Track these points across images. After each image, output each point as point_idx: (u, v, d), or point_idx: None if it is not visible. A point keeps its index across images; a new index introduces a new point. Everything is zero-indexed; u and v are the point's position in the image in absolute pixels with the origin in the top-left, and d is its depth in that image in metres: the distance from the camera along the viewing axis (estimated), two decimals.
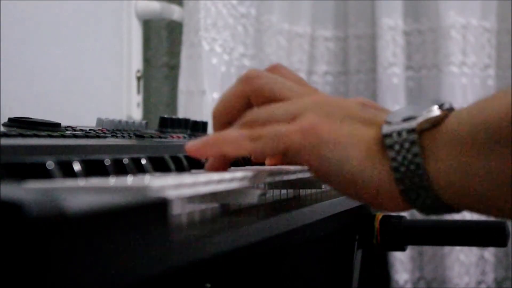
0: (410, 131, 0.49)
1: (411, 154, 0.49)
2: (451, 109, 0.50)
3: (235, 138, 0.53)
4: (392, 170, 0.50)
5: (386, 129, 0.50)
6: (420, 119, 0.50)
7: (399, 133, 0.50)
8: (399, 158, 0.49)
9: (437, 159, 0.49)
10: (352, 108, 0.54)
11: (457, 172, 0.48)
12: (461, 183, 0.48)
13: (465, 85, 1.74)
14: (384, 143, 0.50)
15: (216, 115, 0.58)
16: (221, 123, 0.58)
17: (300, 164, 0.54)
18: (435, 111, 0.50)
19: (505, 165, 0.46)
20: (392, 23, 1.75)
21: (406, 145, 0.49)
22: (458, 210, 0.51)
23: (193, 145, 0.54)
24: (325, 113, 0.52)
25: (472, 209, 0.50)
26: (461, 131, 0.48)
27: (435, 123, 0.49)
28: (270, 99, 0.56)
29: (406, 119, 0.50)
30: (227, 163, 0.58)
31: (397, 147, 0.49)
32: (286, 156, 0.54)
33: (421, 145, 0.49)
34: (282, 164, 0.68)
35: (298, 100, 0.54)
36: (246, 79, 0.57)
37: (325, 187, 0.72)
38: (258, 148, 0.52)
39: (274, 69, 0.60)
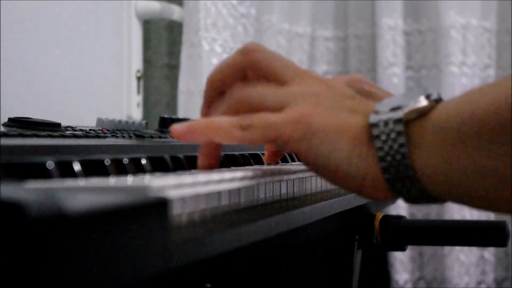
0: (397, 121, 0.50)
1: (397, 144, 0.49)
2: (439, 100, 0.51)
3: (225, 126, 0.53)
4: (378, 159, 0.50)
5: (373, 118, 0.51)
6: (407, 109, 0.50)
7: (386, 123, 0.50)
8: (385, 147, 0.50)
9: (423, 149, 0.49)
10: (342, 96, 0.54)
11: (442, 164, 0.48)
12: (446, 174, 0.48)
13: (465, 85, 1.74)
14: (371, 132, 0.50)
15: (210, 82, 0.59)
16: (214, 90, 0.58)
17: (289, 152, 0.54)
18: (423, 101, 0.50)
19: (490, 158, 0.47)
20: (392, 23, 1.75)
21: (393, 135, 0.50)
22: (443, 201, 0.51)
23: (180, 128, 0.54)
24: (315, 102, 0.53)
25: (456, 200, 0.50)
26: (448, 123, 0.48)
27: (422, 113, 0.50)
28: (265, 74, 0.56)
29: (394, 109, 0.50)
30: (217, 151, 0.59)
31: (383, 137, 0.50)
32: (275, 144, 0.54)
33: (408, 136, 0.49)
34: (278, 154, 0.68)
35: (289, 87, 0.54)
36: (245, 51, 0.57)
37: (325, 187, 0.72)
38: (248, 136, 0.53)
39: (251, 52, 0.60)
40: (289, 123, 0.52)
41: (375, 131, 0.50)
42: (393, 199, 0.52)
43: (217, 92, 0.58)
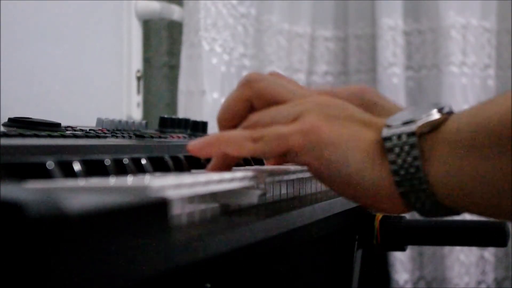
0: (410, 134, 0.50)
1: (410, 157, 0.49)
2: (450, 113, 0.51)
3: (237, 139, 0.53)
4: (392, 173, 0.50)
5: (386, 132, 0.51)
6: (420, 123, 0.50)
7: (399, 136, 0.50)
8: (399, 161, 0.50)
9: (437, 162, 0.49)
10: (352, 109, 0.54)
11: (456, 175, 0.48)
12: (460, 186, 0.48)
13: (465, 85, 1.74)
14: (384, 146, 0.50)
15: (221, 121, 0.59)
16: (226, 128, 0.58)
17: (300, 164, 0.54)
18: (435, 114, 0.50)
19: (505, 168, 0.47)
20: (392, 23, 1.75)
21: (406, 148, 0.49)
22: (458, 212, 0.51)
23: (195, 145, 0.54)
24: (326, 115, 0.52)
25: (472, 211, 0.50)
26: (461, 134, 0.48)
27: (435, 126, 0.50)
28: (271, 101, 0.56)
29: (406, 123, 0.50)
30: (229, 164, 0.58)
31: (397, 150, 0.50)
32: (287, 157, 0.54)
33: (421, 148, 0.49)
34: (281, 164, 0.68)
35: (300, 102, 0.54)
36: (247, 83, 0.57)
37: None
38: (260, 148, 0.52)
39: (272, 75, 0.60)
40: (300, 134, 0.52)
41: (388, 144, 0.50)
42: (406, 212, 0.52)
43: (229, 129, 0.58)
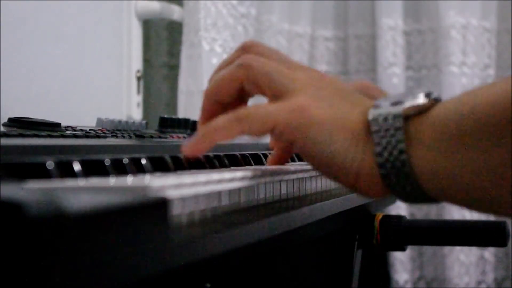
0: (396, 116, 0.50)
1: (395, 140, 0.50)
2: (438, 99, 0.51)
3: (223, 124, 0.53)
4: (375, 154, 0.50)
5: (372, 113, 0.51)
6: (406, 105, 0.50)
7: (385, 118, 0.50)
8: (383, 142, 0.50)
9: (422, 146, 0.49)
10: (342, 88, 0.54)
11: (441, 162, 0.48)
12: (444, 173, 0.48)
13: (465, 85, 1.74)
14: (370, 127, 0.50)
15: (208, 94, 0.59)
16: (212, 101, 0.58)
17: (285, 142, 0.54)
18: (422, 98, 0.50)
19: (489, 156, 0.46)
20: (392, 23, 1.75)
21: (391, 130, 0.50)
22: (438, 200, 0.51)
23: (187, 146, 0.54)
24: (315, 95, 0.53)
25: (452, 200, 0.50)
26: (448, 120, 0.48)
27: (422, 110, 0.50)
28: (263, 89, 0.56)
29: (394, 104, 0.50)
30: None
31: (382, 132, 0.50)
32: (272, 135, 0.54)
33: (406, 132, 0.49)
34: (285, 156, 0.68)
35: (291, 77, 0.54)
36: (242, 66, 0.57)
37: (325, 187, 0.72)
38: (246, 128, 0.53)
39: (250, 47, 0.59)
40: (286, 113, 0.52)
41: (374, 126, 0.50)
42: (385, 196, 0.52)
43: (214, 102, 0.58)
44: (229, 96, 0.57)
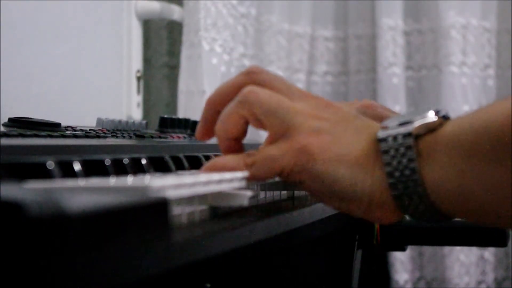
0: (406, 135, 0.49)
1: (406, 159, 0.49)
2: (447, 117, 0.50)
3: (231, 167, 0.53)
4: (386, 175, 0.50)
5: (381, 133, 0.50)
6: (416, 124, 0.50)
7: (395, 138, 0.50)
8: (394, 162, 0.49)
9: (433, 165, 0.48)
10: (347, 120, 0.53)
11: (454, 180, 0.48)
12: (458, 190, 0.48)
13: (465, 85, 1.74)
14: (379, 148, 0.50)
15: (210, 102, 0.58)
16: (213, 110, 0.58)
17: (293, 183, 0.54)
18: (431, 117, 0.50)
19: (504, 173, 0.46)
20: (392, 23, 1.75)
21: (402, 149, 0.49)
22: (451, 218, 0.50)
23: None
24: (317, 128, 0.52)
25: (467, 217, 0.50)
26: (460, 138, 0.48)
27: (432, 128, 0.49)
28: (266, 126, 0.55)
29: (402, 124, 0.50)
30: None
31: (392, 151, 0.49)
32: (280, 176, 0.54)
33: (417, 150, 0.49)
34: None
35: (298, 106, 0.54)
36: (248, 72, 0.56)
37: None
38: (253, 174, 0.53)
39: (254, 74, 0.58)
40: (290, 155, 0.52)
41: (384, 146, 0.50)
42: (399, 219, 0.52)
43: (216, 112, 0.57)
44: (238, 132, 0.56)
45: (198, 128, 0.59)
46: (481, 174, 0.47)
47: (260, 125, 0.55)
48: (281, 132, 0.53)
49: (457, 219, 0.52)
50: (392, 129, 0.50)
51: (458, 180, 0.48)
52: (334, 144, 0.51)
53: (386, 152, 0.50)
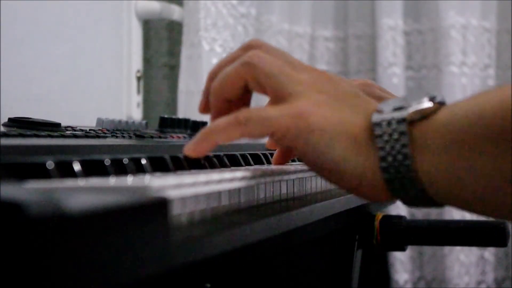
0: (400, 121, 0.50)
1: (399, 144, 0.49)
2: (442, 103, 0.50)
3: (224, 126, 0.53)
4: (379, 159, 0.50)
5: (376, 117, 0.51)
6: (410, 110, 0.50)
7: (389, 123, 0.50)
8: (387, 147, 0.50)
9: (426, 151, 0.49)
10: (345, 93, 0.54)
11: (447, 167, 0.48)
12: (449, 178, 0.48)
13: (465, 85, 1.74)
14: (373, 132, 0.50)
15: (214, 92, 0.58)
16: (218, 98, 0.58)
17: (286, 146, 0.54)
18: (426, 102, 0.50)
19: (497, 161, 0.46)
20: (392, 23, 1.75)
21: (395, 135, 0.49)
22: (442, 205, 0.51)
23: (188, 147, 0.54)
24: (317, 99, 0.52)
25: (457, 204, 0.50)
26: (454, 125, 0.48)
27: (426, 115, 0.49)
28: (266, 90, 0.56)
29: (397, 109, 0.50)
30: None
31: (385, 136, 0.50)
32: (273, 138, 0.54)
33: (411, 136, 0.49)
34: (287, 155, 0.68)
35: (299, 76, 0.54)
36: (246, 65, 0.56)
37: (325, 187, 0.72)
38: (247, 131, 0.53)
39: (256, 46, 0.58)
40: (287, 118, 0.52)
41: (378, 131, 0.50)
42: (389, 201, 0.52)
43: (222, 100, 0.58)
44: (234, 93, 0.57)
45: (200, 102, 0.60)
46: (472, 163, 0.47)
47: (259, 88, 0.55)
48: (281, 96, 0.53)
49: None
50: (387, 113, 0.50)
51: (450, 168, 0.48)
52: (332, 117, 0.52)
53: (379, 136, 0.50)
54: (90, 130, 0.77)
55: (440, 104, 0.50)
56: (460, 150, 0.47)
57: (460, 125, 0.48)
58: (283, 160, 0.68)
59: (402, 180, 0.49)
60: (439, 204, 0.51)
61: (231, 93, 0.57)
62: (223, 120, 0.54)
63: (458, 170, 0.48)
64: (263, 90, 0.55)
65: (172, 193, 0.41)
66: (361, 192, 0.52)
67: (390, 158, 0.49)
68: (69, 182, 0.42)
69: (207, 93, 0.59)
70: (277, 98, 0.54)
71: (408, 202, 0.51)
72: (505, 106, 0.46)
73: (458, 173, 0.48)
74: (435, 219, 1.69)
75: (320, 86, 0.54)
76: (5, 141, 0.53)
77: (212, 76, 0.59)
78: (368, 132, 0.51)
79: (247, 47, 0.58)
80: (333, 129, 0.51)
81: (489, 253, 1.77)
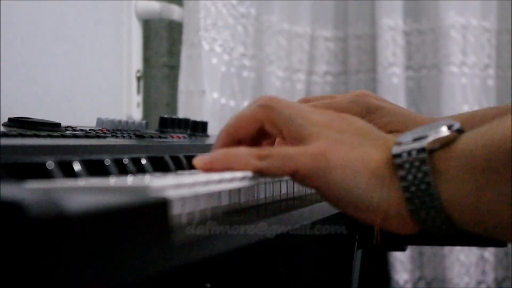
0: (420, 150, 0.50)
1: (421, 173, 0.49)
2: (460, 130, 0.51)
3: (243, 156, 0.53)
4: (402, 189, 0.50)
5: (396, 149, 0.51)
6: (430, 139, 0.50)
7: (409, 153, 0.50)
8: (410, 177, 0.50)
9: (449, 179, 0.49)
10: (363, 131, 0.54)
11: (469, 195, 0.48)
12: (473, 205, 0.48)
13: (465, 85, 1.74)
14: (394, 163, 0.50)
15: (227, 130, 0.58)
16: (229, 137, 0.58)
17: (308, 187, 0.54)
18: (445, 131, 0.50)
19: None
20: (392, 23, 1.75)
21: (416, 163, 0.49)
22: (468, 231, 0.51)
23: (201, 160, 0.54)
24: (335, 138, 0.53)
25: (482, 231, 0.50)
26: (476, 154, 0.48)
27: (445, 143, 0.50)
28: (283, 133, 0.55)
29: (416, 139, 0.50)
30: None
31: (407, 166, 0.50)
32: (293, 179, 0.54)
33: (432, 165, 0.49)
34: None
35: (315, 117, 0.54)
36: (264, 107, 0.56)
37: None
38: (265, 167, 0.53)
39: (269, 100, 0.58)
40: (308, 157, 0.52)
41: (398, 161, 0.50)
42: (415, 231, 0.52)
43: (233, 142, 0.58)
44: (248, 134, 0.57)
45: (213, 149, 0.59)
46: (495, 191, 0.47)
47: (276, 131, 0.55)
48: (299, 138, 0.53)
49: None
50: (406, 144, 0.51)
51: (473, 195, 0.48)
52: (352, 154, 0.52)
53: (401, 166, 0.50)
54: (90, 130, 0.77)
55: (458, 132, 0.50)
56: (482, 179, 0.48)
57: (480, 154, 0.48)
58: None
59: (428, 210, 0.49)
60: (466, 231, 0.51)
61: (245, 133, 0.57)
62: (243, 150, 0.54)
63: (481, 198, 0.48)
64: (279, 133, 0.55)
65: (172, 193, 0.41)
66: (389, 226, 0.52)
67: (413, 188, 0.49)
68: (69, 182, 0.42)
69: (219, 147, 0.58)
70: (295, 140, 0.54)
71: (435, 232, 0.51)
72: None
73: (481, 201, 0.48)
74: None
75: (336, 125, 0.54)
76: (5, 141, 0.53)
77: (227, 132, 0.58)
78: (389, 165, 0.51)
79: (262, 104, 0.57)
80: (354, 166, 0.51)
81: (489, 253, 1.77)
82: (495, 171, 0.47)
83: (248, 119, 0.57)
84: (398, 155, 0.50)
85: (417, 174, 0.49)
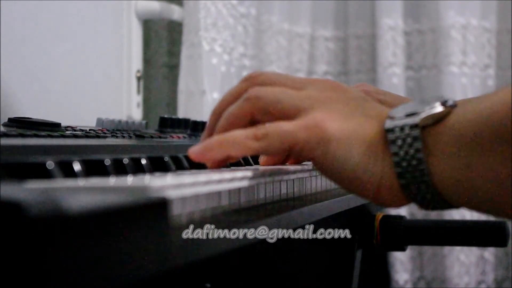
0: (413, 126, 0.50)
1: (413, 149, 0.50)
2: (454, 106, 0.51)
3: (240, 139, 0.53)
4: (394, 164, 0.50)
5: (389, 124, 0.51)
6: (423, 115, 0.50)
7: (402, 128, 0.50)
8: (401, 153, 0.50)
9: (439, 155, 0.49)
10: (356, 100, 0.54)
11: (459, 169, 0.48)
12: (462, 180, 0.48)
13: (465, 85, 1.74)
14: (387, 138, 0.50)
15: (220, 132, 0.58)
16: (217, 120, 0.58)
17: (305, 160, 0.54)
18: (438, 107, 0.50)
19: (508, 163, 0.47)
20: (392, 23, 1.75)
21: (409, 140, 0.50)
22: (457, 206, 0.51)
23: (195, 150, 0.53)
24: (329, 109, 0.53)
25: (472, 207, 0.50)
26: (465, 129, 0.48)
27: (438, 119, 0.50)
28: (276, 116, 0.55)
29: (409, 115, 0.51)
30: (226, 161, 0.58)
31: (399, 142, 0.50)
32: (291, 153, 0.54)
33: (424, 141, 0.50)
34: (277, 163, 0.68)
35: (304, 91, 0.54)
36: (249, 99, 0.56)
37: (325, 187, 0.72)
38: (264, 146, 0.52)
39: (254, 78, 0.58)
40: (304, 130, 0.52)
41: (391, 136, 0.50)
42: (406, 205, 0.52)
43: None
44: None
45: (202, 138, 0.59)
46: (485, 165, 0.47)
47: (268, 117, 0.55)
48: (292, 115, 0.53)
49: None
50: (399, 119, 0.51)
51: (463, 171, 0.48)
52: (346, 126, 0.52)
53: (393, 142, 0.50)
54: (90, 130, 0.77)
55: (452, 107, 0.50)
56: (472, 154, 0.48)
57: (470, 128, 0.48)
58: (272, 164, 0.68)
59: (418, 185, 0.50)
60: (454, 206, 0.51)
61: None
62: (239, 133, 0.53)
63: (471, 174, 0.48)
64: (273, 118, 0.55)
65: (172, 193, 0.41)
66: (381, 200, 0.52)
67: (404, 163, 0.50)
68: (69, 182, 0.42)
69: (211, 130, 0.58)
70: (289, 118, 0.53)
71: (425, 206, 0.51)
72: (511, 107, 0.46)
73: (472, 176, 0.48)
74: (435, 219, 1.69)
75: (328, 95, 0.54)
76: (5, 141, 0.53)
77: (216, 112, 0.58)
78: (382, 138, 0.51)
79: (246, 79, 0.57)
80: (349, 137, 0.51)
81: (489, 253, 1.77)
82: (483, 145, 0.47)
83: (237, 118, 0.56)
84: (391, 130, 0.51)
85: (409, 150, 0.50)
